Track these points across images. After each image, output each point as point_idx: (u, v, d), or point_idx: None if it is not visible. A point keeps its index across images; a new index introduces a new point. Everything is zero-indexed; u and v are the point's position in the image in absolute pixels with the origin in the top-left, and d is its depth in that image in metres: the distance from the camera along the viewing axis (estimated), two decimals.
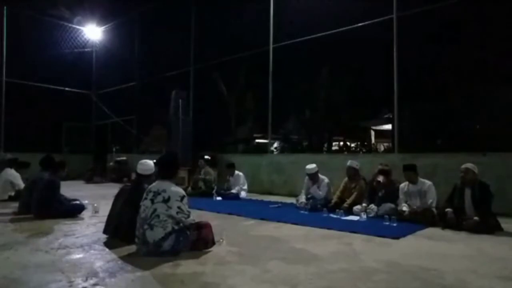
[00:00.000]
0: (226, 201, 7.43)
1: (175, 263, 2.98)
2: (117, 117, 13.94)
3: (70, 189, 7.15)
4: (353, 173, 6.12)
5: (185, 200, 3.28)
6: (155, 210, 3.17)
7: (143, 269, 2.83)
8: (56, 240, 3.79)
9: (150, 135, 13.68)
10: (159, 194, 3.22)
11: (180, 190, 3.30)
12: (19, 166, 7.29)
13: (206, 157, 9.25)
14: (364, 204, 5.53)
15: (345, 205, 5.76)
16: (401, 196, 5.32)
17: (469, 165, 4.67)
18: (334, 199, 6.09)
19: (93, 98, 15.20)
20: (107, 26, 14.99)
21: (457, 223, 4.44)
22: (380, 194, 5.52)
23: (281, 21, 9.39)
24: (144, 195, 3.33)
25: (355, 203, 5.73)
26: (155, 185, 3.33)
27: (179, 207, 3.21)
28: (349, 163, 6.21)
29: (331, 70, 10.26)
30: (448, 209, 4.58)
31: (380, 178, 5.55)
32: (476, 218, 4.34)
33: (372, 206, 5.43)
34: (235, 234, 4.13)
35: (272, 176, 8.94)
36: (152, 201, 3.22)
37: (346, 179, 6.22)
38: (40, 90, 13.46)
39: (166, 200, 3.18)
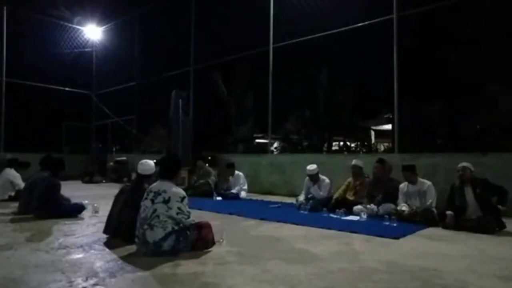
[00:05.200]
0: (226, 201, 7.43)
1: (175, 263, 2.98)
2: (117, 117, 13.94)
3: (69, 189, 7.15)
4: (358, 172, 6.16)
5: (185, 201, 3.28)
6: (155, 210, 3.18)
7: (143, 269, 2.83)
8: (56, 240, 3.79)
9: (150, 135, 13.68)
10: (159, 194, 3.22)
11: (180, 191, 3.30)
12: (19, 166, 7.28)
13: (205, 157, 9.25)
14: (365, 205, 5.54)
15: (349, 197, 5.87)
16: (400, 196, 5.32)
17: (465, 163, 4.72)
18: (335, 195, 6.11)
19: (93, 98, 15.21)
20: (107, 26, 15.00)
21: (457, 224, 4.45)
22: (378, 198, 5.52)
23: (281, 21, 9.38)
24: (145, 195, 3.33)
25: (358, 202, 5.74)
26: (156, 185, 3.33)
27: (179, 208, 3.21)
28: (354, 162, 6.27)
29: (331, 70, 10.26)
30: (449, 212, 4.58)
31: (375, 170, 5.66)
32: (481, 213, 4.38)
33: (372, 205, 5.44)
34: (235, 234, 4.13)
35: (272, 176, 8.94)
36: (153, 201, 3.22)
37: (350, 178, 6.25)
38: (40, 90, 13.47)
39: (166, 201, 3.18)
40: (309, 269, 2.90)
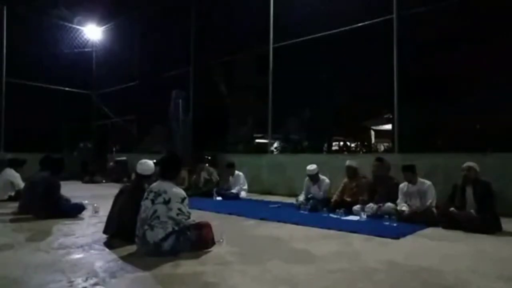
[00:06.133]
0: (226, 201, 7.43)
1: (175, 263, 2.98)
2: (117, 117, 13.94)
3: (69, 189, 7.15)
4: (352, 173, 6.13)
5: (186, 201, 3.29)
6: (155, 211, 3.17)
7: (143, 269, 2.83)
8: (56, 240, 3.79)
9: (150, 135, 13.68)
10: (159, 195, 3.22)
11: (181, 192, 3.30)
12: (17, 165, 7.27)
13: (206, 157, 9.23)
14: (364, 204, 5.53)
15: (347, 199, 5.83)
16: (400, 196, 5.32)
17: (470, 163, 4.71)
18: (334, 197, 6.09)
19: (93, 98, 15.21)
20: (107, 26, 14.98)
21: (457, 224, 4.45)
22: (379, 197, 5.52)
23: (281, 21, 9.38)
24: (145, 194, 3.33)
25: (357, 201, 5.73)
26: (156, 186, 3.33)
27: (179, 209, 3.21)
28: (347, 163, 6.23)
29: (331, 70, 10.25)
30: (452, 209, 4.58)
31: (375, 168, 5.66)
32: (476, 215, 4.36)
33: (371, 205, 5.44)
34: (235, 234, 4.13)
35: (272, 176, 8.93)
36: (153, 201, 3.22)
37: (346, 179, 6.23)
38: (40, 90, 13.45)
39: (166, 202, 3.18)
40: (309, 269, 2.90)
